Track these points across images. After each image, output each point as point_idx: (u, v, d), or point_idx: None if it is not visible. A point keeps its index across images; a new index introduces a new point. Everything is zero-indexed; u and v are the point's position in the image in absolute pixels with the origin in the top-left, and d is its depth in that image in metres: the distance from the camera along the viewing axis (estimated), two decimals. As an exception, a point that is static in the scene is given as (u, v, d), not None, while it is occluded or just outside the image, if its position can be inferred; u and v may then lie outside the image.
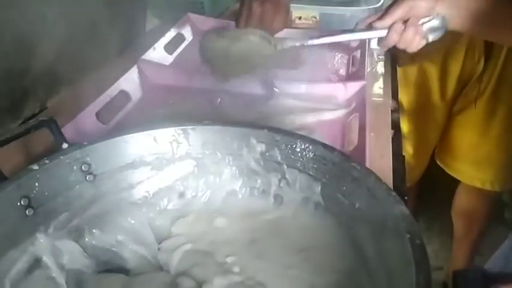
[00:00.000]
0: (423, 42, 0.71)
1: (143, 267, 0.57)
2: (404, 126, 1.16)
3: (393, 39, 0.70)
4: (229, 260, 0.55)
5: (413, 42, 0.70)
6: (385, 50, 1.02)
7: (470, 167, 1.22)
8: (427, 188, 1.54)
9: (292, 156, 0.57)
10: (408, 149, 1.21)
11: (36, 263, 0.50)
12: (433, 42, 1.05)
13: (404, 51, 1.07)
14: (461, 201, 1.38)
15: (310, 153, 0.55)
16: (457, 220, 1.41)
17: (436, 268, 1.58)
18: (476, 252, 1.45)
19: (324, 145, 0.55)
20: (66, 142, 0.55)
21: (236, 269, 0.54)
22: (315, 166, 0.55)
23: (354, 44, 1.08)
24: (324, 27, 1.17)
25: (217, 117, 0.80)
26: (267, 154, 0.58)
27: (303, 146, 0.56)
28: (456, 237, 1.45)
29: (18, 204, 0.49)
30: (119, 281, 0.53)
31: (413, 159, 1.24)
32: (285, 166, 0.57)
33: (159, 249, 0.58)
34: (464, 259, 1.45)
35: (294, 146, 0.56)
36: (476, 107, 1.10)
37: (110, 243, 0.56)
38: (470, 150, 1.19)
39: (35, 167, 0.51)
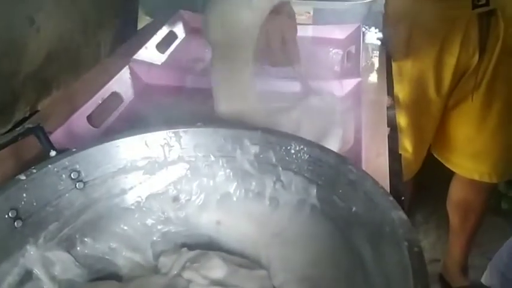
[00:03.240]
0: None
1: (137, 273, 0.56)
2: (401, 121, 1.16)
3: None
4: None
5: None
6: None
7: (467, 160, 1.21)
8: (424, 182, 1.54)
9: (287, 158, 0.55)
10: (406, 144, 1.21)
11: (28, 275, 0.49)
12: (427, 36, 1.05)
13: (397, 46, 1.07)
14: (456, 193, 1.38)
15: (305, 154, 0.54)
16: (452, 212, 1.42)
17: (433, 260, 1.59)
18: (472, 244, 1.45)
19: (320, 147, 0.54)
20: (54, 149, 0.54)
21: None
22: (311, 168, 0.54)
23: (348, 39, 1.07)
24: (318, 23, 1.15)
25: (212, 118, 0.79)
26: (261, 156, 0.57)
27: (297, 148, 0.54)
28: (452, 230, 1.45)
29: (6, 216, 0.48)
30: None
31: (410, 154, 1.23)
32: (280, 168, 0.56)
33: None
34: (461, 251, 1.45)
35: (288, 147, 0.55)
36: (473, 100, 1.10)
37: (102, 251, 0.55)
38: (467, 143, 1.19)
39: (22, 177, 0.49)
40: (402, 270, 0.38)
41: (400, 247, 0.40)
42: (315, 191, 0.54)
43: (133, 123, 0.78)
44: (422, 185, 1.58)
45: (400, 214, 0.42)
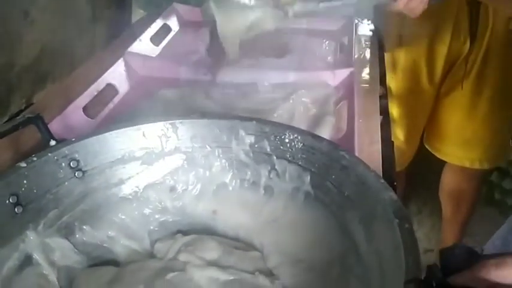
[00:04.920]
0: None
1: (135, 260, 0.57)
2: (394, 111, 1.17)
3: (399, 7, 0.80)
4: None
5: (417, 9, 0.80)
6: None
7: (458, 148, 1.23)
8: (418, 172, 1.56)
9: (281, 147, 0.57)
10: (399, 134, 1.22)
11: (27, 260, 0.50)
12: (419, 26, 1.06)
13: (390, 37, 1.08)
14: (448, 182, 1.39)
15: (299, 143, 0.55)
16: (444, 201, 1.43)
17: (427, 250, 1.61)
18: (464, 233, 1.47)
19: (313, 135, 0.56)
20: (54, 139, 0.55)
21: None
22: (304, 156, 0.55)
23: (341, 31, 1.08)
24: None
25: (206, 109, 0.80)
26: (256, 146, 0.58)
27: (291, 137, 0.56)
28: (445, 219, 1.47)
29: (7, 202, 0.49)
30: (109, 272, 0.53)
31: (403, 144, 1.24)
32: (275, 157, 0.57)
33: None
34: (453, 240, 1.47)
35: (282, 136, 0.56)
36: (463, 88, 1.11)
37: (101, 239, 0.56)
38: (458, 132, 1.20)
39: (23, 164, 0.50)
40: (394, 246, 0.40)
41: (391, 225, 0.41)
42: (309, 178, 0.55)
43: (128, 114, 0.79)
44: (416, 176, 1.60)
45: (391, 194, 0.44)
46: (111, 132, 0.57)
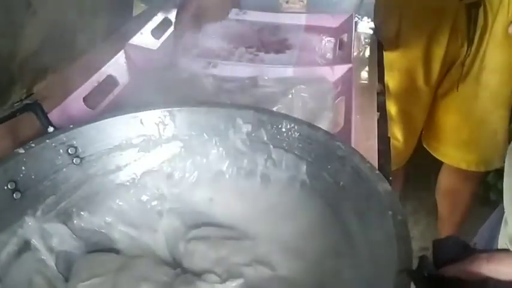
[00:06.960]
0: None
1: (133, 247, 0.57)
2: (392, 110, 1.18)
3: None
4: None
5: None
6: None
7: (455, 150, 1.24)
8: (414, 172, 1.56)
9: (278, 136, 0.57)
10: (396, 133, 1.23)
11: (26, 246, 0.51)
12: (416, 27, 1.07)
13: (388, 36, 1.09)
14: (444, 182, 1.40)
15: (296, 133, 0.56)
16: (441, 201, 1.44)
17: (422, 248, 1.61)
18: (460, 232, 1.47)
19: (309, 125, 0.56)
20: (52, 126, 0.55)
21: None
22: (301, 145, 0.56)
23: (341, 28, 1.09)
24: (311, 11, 1.17)
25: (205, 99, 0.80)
26: (253, 135, 0.58)
27: (288, 126, 0.56)
28: (440, 218, 1.48)
29: (5, 188, 0.49)
30: (115, 261, 0.54)
31: (401, 143, 1.25)
32: (271, 146, 0.58)
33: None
34: (448, 239, 1.47)
35: (279, 126, 0.57)
36: (458, 90, 1.12)
37: (98, 224, 0.57)
38: (455, 133, 1.21)
39: (21, 150, 0.51)
40: (387, 237, 0.40)
41: (385, 216, 0.41)
42: (305, 167, 0.56)
43: (128, 105, 0.80)
44: (413, 176, 1.61)
45: (385, 186, 0.44)
46: (108, 120, 0.57)
